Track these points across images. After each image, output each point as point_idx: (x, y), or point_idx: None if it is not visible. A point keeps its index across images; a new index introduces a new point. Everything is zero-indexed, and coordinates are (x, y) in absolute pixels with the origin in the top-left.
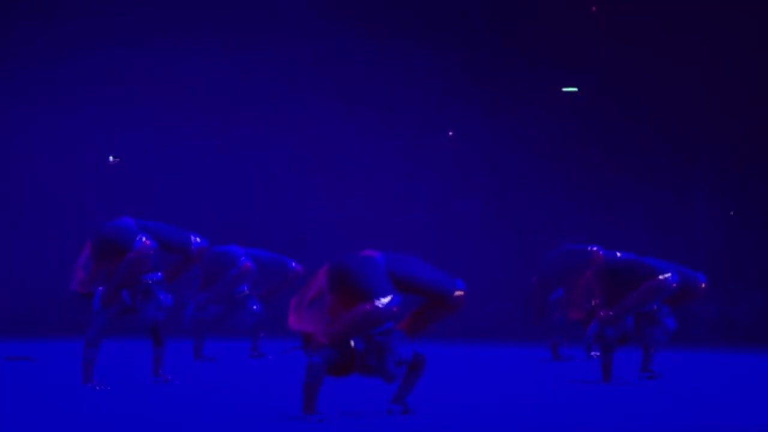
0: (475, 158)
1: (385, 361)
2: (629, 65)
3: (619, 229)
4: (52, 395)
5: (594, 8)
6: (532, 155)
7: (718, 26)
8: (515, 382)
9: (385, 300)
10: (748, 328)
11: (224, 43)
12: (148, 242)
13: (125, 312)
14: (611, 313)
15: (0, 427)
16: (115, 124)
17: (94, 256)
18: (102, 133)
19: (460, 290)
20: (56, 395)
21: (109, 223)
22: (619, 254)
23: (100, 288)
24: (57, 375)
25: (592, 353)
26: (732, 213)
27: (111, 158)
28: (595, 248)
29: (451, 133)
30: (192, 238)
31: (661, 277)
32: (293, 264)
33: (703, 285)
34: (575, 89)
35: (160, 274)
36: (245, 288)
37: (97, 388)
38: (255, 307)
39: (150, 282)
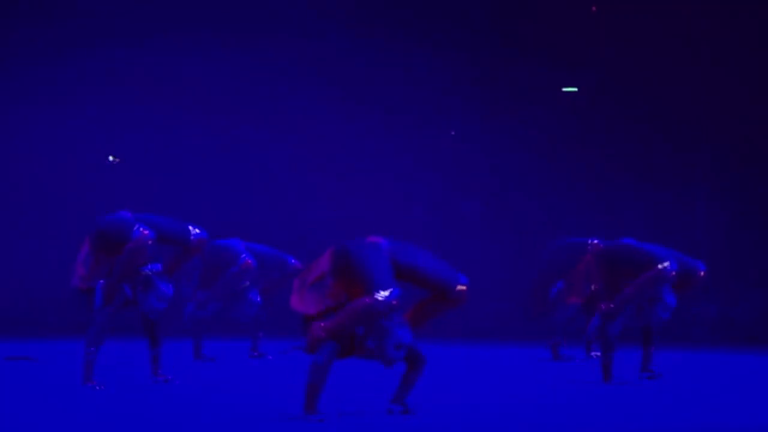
0: (476, 158)
1: (385, 344)
2: (629, 65)
3: (619, 229)
4: (52, 395)
5: (594, 8)
6: (532, 155)
7: (718, 26)
8: (515, 382)
9: (385, 293)
10: (748, 328)
11: (224, 43)
12: (146, 232)
13: (126, 305)
14: (612, 305)
15: (0, 427)
16: (115, 124)
17: (94, 251)
18: (102, 133)
19: (463, 285)
20: (56, 395)
21: (106, 216)
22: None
23: (101, 282)
24: (57, 375)
25: (593, 353)
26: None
27: (110, 158)
28: (595, 241)
29: (453, 133)
30: (190, 228)
31: (659, 266)
32: (293, 261)
33: (702, 273)
34: (575, 89)
35: (159, 265)
36: (246, 281)
37: (97, 388)
38: (256, 298)
39: (149, 273)
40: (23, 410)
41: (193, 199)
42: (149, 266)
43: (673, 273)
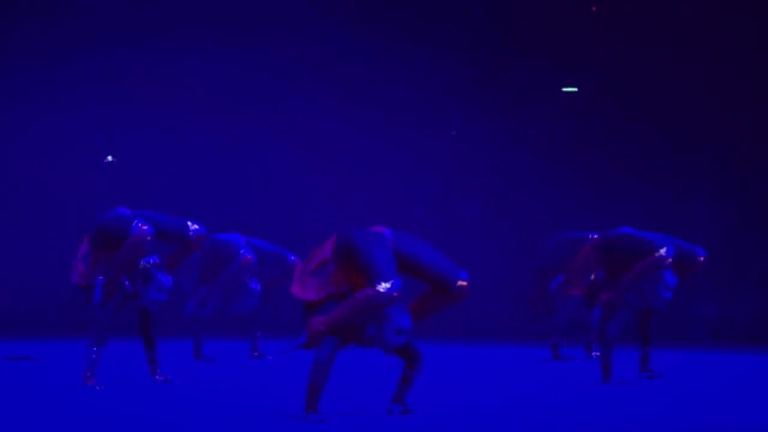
0: (476, 158)
1: (384, 330)
2: (629, 65)
3: None
4: (52, 395)
5: (594, 8)
6: (532, 155)
7: (718, 26)
8: (515, 382)
9: (387, 284)
10: (748, 328)
11: (224, 43)
12: (144, 227)
13: (127, 300)
14: (612, 295)
15: (0, 427)
16: (115, 124)
17: (93, 248)
18: (102, 133)
19: (464, 280)
20: (56, 395)
21: (105, 213)
22: None
23: (100, 278)
24: (57, 375)
25: (593, 353)
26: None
27: (109, 158)
28: (595, 236)
29: (453, 133)
30: (189, 224)
31: (656, 254)
32: (292, 257)
33: (702, 258)
34: (575, 89)
35: (156, 256)
36: (246, 276)
37: (97, 388)
38: (256, 287)
39: (148, 265)
40: (23, 410)
41: (193, 200)
42: (146, 258)
43: (670, 260)
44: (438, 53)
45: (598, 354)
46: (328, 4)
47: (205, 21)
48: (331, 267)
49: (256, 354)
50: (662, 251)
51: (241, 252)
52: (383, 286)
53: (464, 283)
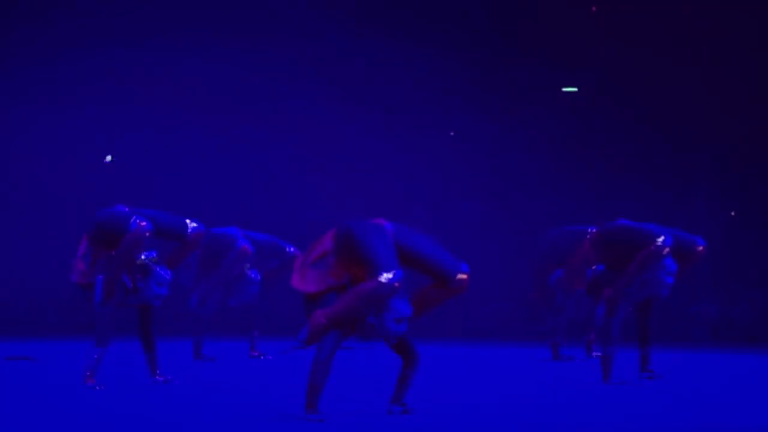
0: (476, 158)
1: (385, 319)
2: (629, 65)
3: None
4: (52, 395)
5: (594, 8)
6: (532, 155)
7: (718, 26)
8: (515, 382)
9: (389, 275)
10: (748, 328)
11: (224, 43)
12: (143, 223)
13: (127, 297)
14: (614, 291)
15: (0, 427)
16: (115, 124)
17: (92, 246)
18: (102, 132)
19: (464, 273)
20: (56, 395)
21: (103, 211)
22: None
23: (100, 277)
24: (57, 375)
25: (593, 354)
26: (732, 213)
27: (108, 158)
28: (593, 229)
29: (452, 134)
30: (187, 222)
31: (654, 244)
32: (291, 248)
33: (701, 248)
34: (575, 89)
35: (154, 251)
36: (244, 266)
37: (97, 388)
38: (256, 277)
39: (146, 260)
40: (23, 410)
41: (193, 200)
42: (144, 254)
43: (668, 249)
44: (438, 53)
45: (598, 354)
46: (328, 4)
47: (205, 21)
48: (331, 259)
49: (255, 354)
50: (660, 240)
51: (238, 242)
52: (385, 277)
53: (464, 276)
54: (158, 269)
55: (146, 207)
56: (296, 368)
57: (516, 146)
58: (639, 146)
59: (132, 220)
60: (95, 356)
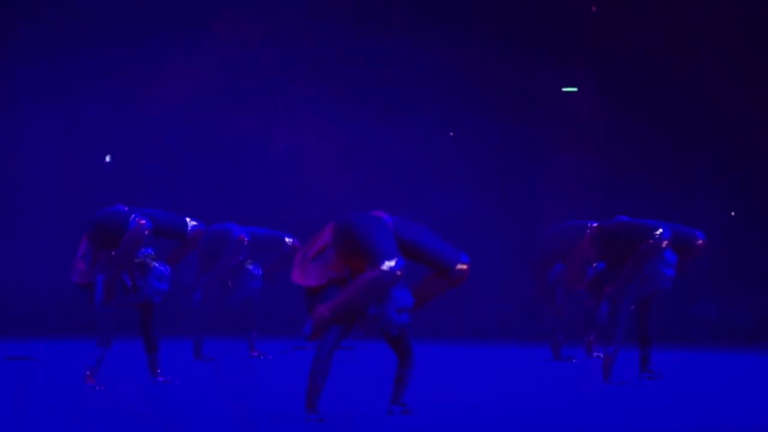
0: (476, 158)
1: (387, 309)
2: (629, 65)
3: None
4: (52, 395)
5: (594, 8)
6: (532, 155)
7: (718, 26)
8: (515, 382)
9: (391, 263)
10: (748, 328)
11: (224, 43)
12: (142, 222)
13: (127, 296)
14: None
15: (0, 427)
16: (115, 124)
17: (92, 245)
18: (102, 133)
19: (464, 263)
20: (56, 395)
21: (102, 210)
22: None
23: (101, 276)
24: (57, 375)
25: (594, 354)
26: (732, 214)
27: (108, 157)
28: (595, 224)
29: (452, 134)
30: (187, 220)
31: (653, 237)
32: (289, 239)
33: (701, 242)
34: (575, 89)
35: (150, 248)
36: (242, 257)
37: (97, 388)
38: (257, 271)
39: (144, 257)
40: (23, 410)
41: (192, 200)
42: (142, 252)
43: (666, 241)
44: (438, 52)
45: (599, 354)
46: (327, 4)
47: (204, 20)
48: (331, 252)
49: (255, 354)
50: (658, 233)
51: (234, 233)
52: (387, 265)
53: (464, 266)
54: (156, 265)
55: (146, 207)
56: (296, 368)
57: (516, 146)
58: (639, 146)
59: (131, 219)
60: (97, 355)
